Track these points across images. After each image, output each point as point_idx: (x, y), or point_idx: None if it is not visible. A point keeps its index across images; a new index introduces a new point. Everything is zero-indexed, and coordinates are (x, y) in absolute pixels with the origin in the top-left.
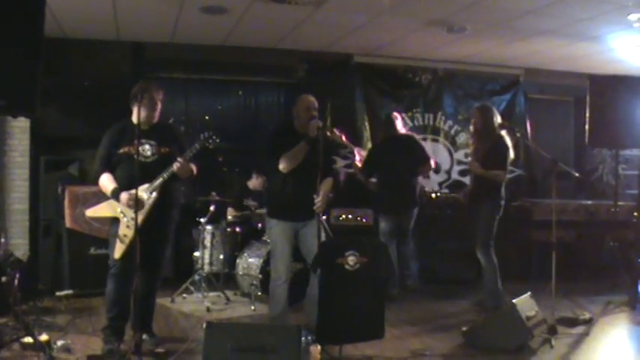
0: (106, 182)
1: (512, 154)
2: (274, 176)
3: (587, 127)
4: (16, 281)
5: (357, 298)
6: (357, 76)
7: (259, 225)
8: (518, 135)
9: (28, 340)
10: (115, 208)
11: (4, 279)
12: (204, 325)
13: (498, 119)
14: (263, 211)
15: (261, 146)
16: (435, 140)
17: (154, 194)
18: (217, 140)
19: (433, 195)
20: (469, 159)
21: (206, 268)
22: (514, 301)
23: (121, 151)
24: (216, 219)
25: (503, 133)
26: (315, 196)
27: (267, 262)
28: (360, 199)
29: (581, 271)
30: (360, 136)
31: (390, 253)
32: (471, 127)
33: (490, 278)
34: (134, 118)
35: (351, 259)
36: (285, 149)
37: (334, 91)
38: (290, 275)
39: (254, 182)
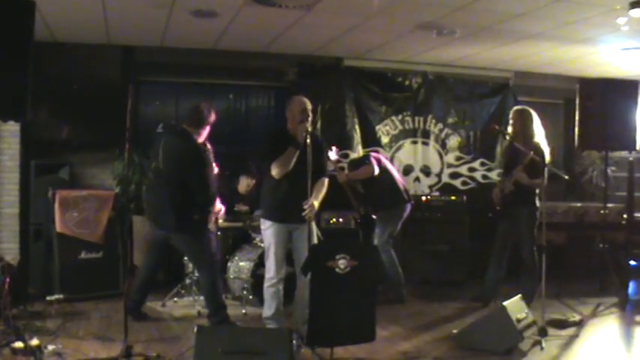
0: None
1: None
2: (268, 179)
3: (576, 129)
4: (6, 286)
5: (348, 301)
6: (347, 79)
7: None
8: (507, 138)
9: (19, 344)
10: None
11: None
12: (195, 329)
13: (537, 124)
14: (254, 215)
15: (254, 149)
16: (425, 143)
17: None
18: None
19: (424, 198)
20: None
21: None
22: (504, 303)
23: None
24: None
25: (538, 140)
26: (304, 202)
27: (258, 266)
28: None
29: (571, 272)
30: (350, 139)
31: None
32: (510, 129)
33: (535, 280)
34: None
35: (342, 263)
36: (279, 153)
37: (324, 95)
38: (283, 277)
39: (242, 186)
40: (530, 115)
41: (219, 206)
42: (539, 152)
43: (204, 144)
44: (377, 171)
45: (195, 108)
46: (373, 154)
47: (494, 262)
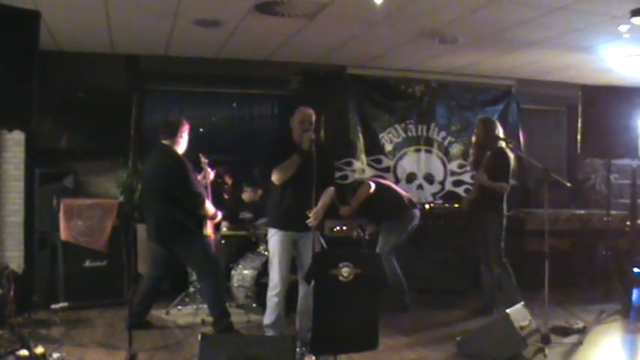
0: None
1: (512, 166)
2: (273, 187)
3: (579, 136)
4: (11, 293)
5: (351, 308)
6: (351, 87)
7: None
8: (510, 146)
9: (24, 352)
10: None
11: None
12: (199, 337)
13: (500, 131)
14: (258, 222)
15: (258, 158)
16: (428, 151)
17: None
18: None
19: (427, 206)
20: (467, 169)
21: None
22: (507, 310)
23: None
24: None
25: (503, 145)
26: (308, 212)
27: (261, 274)
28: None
29: (574, 280)
30: (353, 147)
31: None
32: (473, 138)
33: (509, 286)
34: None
35: (345, 271)
36: (282, 161)
37: (328, 103)
38: (286, 285)
39: (247, 194)
40: (494, 123)
41: (212, 210)
42: (502, 156)
43: (186, 154)
44: (373, 186)
45: (166, 121)
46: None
47: (484, 269)
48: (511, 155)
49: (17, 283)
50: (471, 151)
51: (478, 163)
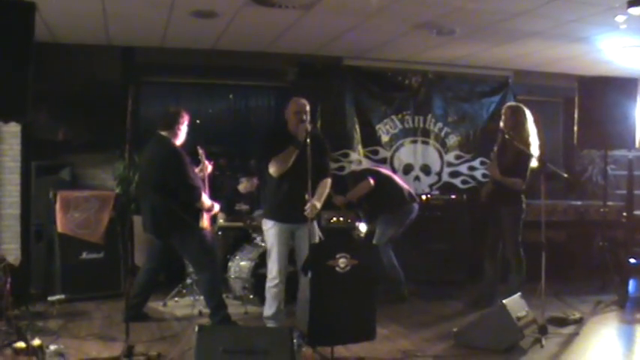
0: None
1: (534, 163)
2: (269, 178)
3: (576, 128)
4: (8, 286)
5: (348, 299)
6: (347, 79)
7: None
8: (507, 137)
9: (21, 344)
10: None
11: None
12: (196, 328)
13: (531, 122)
14: (255, 214)
15: (255, 149)
16: (425, 142)
17: None
18: None
19: (424, 197)
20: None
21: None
22: (504, 301)
23: None
24: None
25: (531, 140)
26: (306, 203)
27: (258, 265)
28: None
29: (571, 271)
30: (350, 138)
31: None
32: (501, 124)
33: (516, 282)
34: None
35: (342, 262)
36: (278, 152)
37: (324, 94)
38: (285, 277)
39: (243, 186)
40: (524, 113)
41: (209, 203)
42: (521, 152)
43: (184, 146)
44: (372, 183)
45: (165, 112)
46: (371, 168)
47: (488, 265)
48: (535, 153)
49: (14, 276)
50: (499, 138)
51: (502, 155)
